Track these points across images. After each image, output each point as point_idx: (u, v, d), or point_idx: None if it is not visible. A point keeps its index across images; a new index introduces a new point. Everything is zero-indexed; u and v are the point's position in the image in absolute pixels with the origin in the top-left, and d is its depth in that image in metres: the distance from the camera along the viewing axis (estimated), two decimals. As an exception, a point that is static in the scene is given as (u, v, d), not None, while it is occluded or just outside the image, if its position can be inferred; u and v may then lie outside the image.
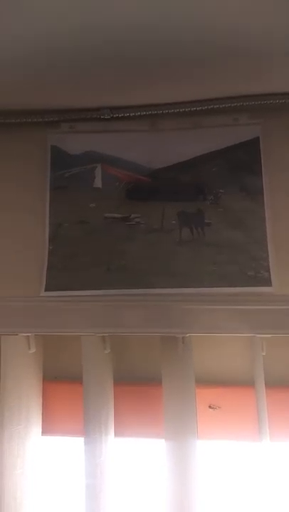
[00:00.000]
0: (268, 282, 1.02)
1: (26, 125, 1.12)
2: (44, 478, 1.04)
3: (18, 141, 1.15)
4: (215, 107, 1.08)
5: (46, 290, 1.06)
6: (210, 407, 1.00)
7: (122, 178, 1.12)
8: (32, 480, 0.99)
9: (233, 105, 1.08)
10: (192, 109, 1.08)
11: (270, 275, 1.02)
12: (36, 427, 1.02)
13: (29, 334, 1.00)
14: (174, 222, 1.08)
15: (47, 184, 1.12)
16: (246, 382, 0.99)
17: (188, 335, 0.95)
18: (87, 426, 0.94)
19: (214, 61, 0.94)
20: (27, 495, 0.98)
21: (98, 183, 1.12)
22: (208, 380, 1.00)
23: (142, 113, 1.10)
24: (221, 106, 1.08)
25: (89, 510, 0.92)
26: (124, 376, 1.03)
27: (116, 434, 1.00)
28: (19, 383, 0.99)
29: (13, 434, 0.95)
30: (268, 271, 1.02)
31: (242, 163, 1.09)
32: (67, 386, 1.06)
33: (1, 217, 1.12)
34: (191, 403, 0.95)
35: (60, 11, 0.79)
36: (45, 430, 1.04)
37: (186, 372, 0.96)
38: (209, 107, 1.08)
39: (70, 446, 1.11)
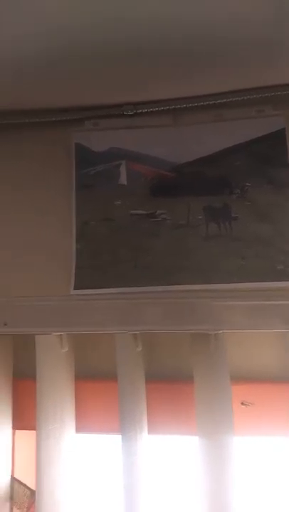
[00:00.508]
0: (298, 276, 1.00)
1: (50, 124, 1.12)
2: (80, 475, 1.05)
3: (43, 140, 1.15)
4: (238, 99, 1.06)
5: (75, 288, 1.06)
6: (242, 403, 0.99)
7: (146, 174, 1.11)
8: (69, 478, 1.00)
9: (256, 97, 1.06)
10: (215, 102, 1.07)
11: (300, 269, 1.01)
12: (71, 426, 1.03)
13: (62, 333, 1.00)
14: (200, 217, 1.07)
15: (72, 182, 1.12)
16: (279, 378, 0.98)
17: (221, 331, 0.95)
18: (123, 424, 0.94)
19: (236, 53, 0.93)
20: (64, 493, 0.99)
21: (123, 179, 1.12)
22: (240, 377, 0.99)
23: (164, 108, 1.09)
24: (244, 98, 1.06)
25: (127, 507, 0.92)
26: (155, 374, 1.03)
27: (149, 432, 1.00)
28: (54, 383, 0.99)
29: (49, 433, 0.96)
30: (298, 264, 1.01)
31: (268, 155, 1.07)
32: (97, 384, 1.06)
33: (29, 217, 1.13)
34: (225, 400, 0.94)
35: (82, 5, 0.78)
36: (78, 428, 1.05)
37: (219, 369, 0.96)
38: (233, 100, 1.07)
39: (102, 444, 1.13)
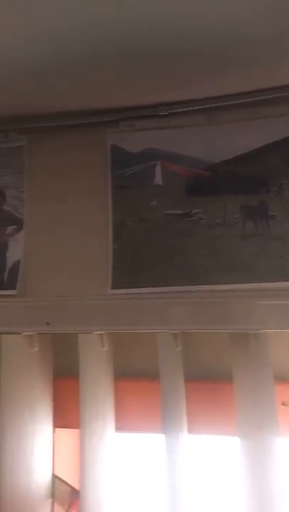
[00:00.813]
0: None
1: (85, 126, 1.14)
2: (121, 473, 1.06)
3: (78, 142, 1.16)
4: (273, 96, 1.05)
5: (112, 288, 1.07)
6: (283, 404, 0.98)
7: (181, 173, 1.11)
8: (111, 476, 1.01)
9: (291, 93, 1.05)
10: (250, 100, 1.06)
11: None
12: (111, 424, 1.04)
13: (103, 332, 1.01)
14: (236, 216, 1.06)
15: (108, 183, 1.13)
16: None
17: (262, 331, 0.94)
18: (166, 423, 0.94)
19: (270, 51, 0.92)
20: (107, 490, 1.00)
21: (158, 180, 1.12)
22: (280, 377, 0.98)
23: (199, 107, 1.09)
24: (279, 95, 1.05)
25: (170, 506, 0.93)
26: (194, 373, 1.03)
27: (189, 431, 1.00)
28: (96, 381, 1.01)
29: (92, 431, 0.98)
30: None
31: (305, 152, 1.06)
32: (135, 383, 1.07)
33: (66, 219, 1.14)
34: (267, 399, 0.93)
35: (114, 2, 0.78)
36: (117, 427, 1.06)
37: (259, 369, 0.95)
38: (268, 97, 1.06)
39: (138, 442, 1.14)
